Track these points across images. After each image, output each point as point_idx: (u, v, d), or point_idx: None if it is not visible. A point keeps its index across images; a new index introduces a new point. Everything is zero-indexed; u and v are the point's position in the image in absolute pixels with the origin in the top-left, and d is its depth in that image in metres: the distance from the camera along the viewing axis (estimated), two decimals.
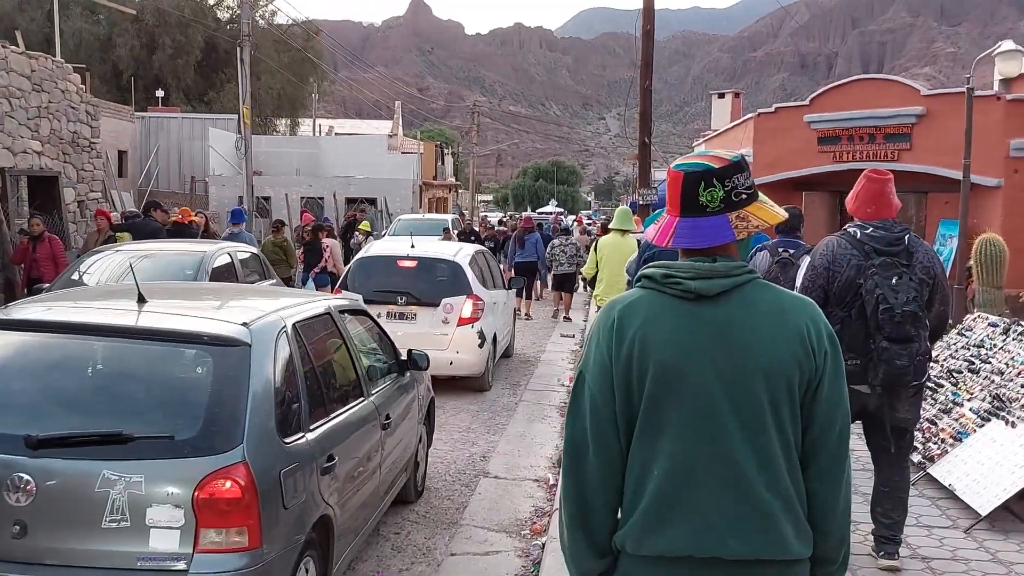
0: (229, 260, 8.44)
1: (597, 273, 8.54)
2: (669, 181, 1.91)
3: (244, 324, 3.42)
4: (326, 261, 12.74)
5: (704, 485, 1.78)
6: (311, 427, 3.54)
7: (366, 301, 8.44)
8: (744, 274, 1.85)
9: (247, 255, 9.29)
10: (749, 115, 17.85)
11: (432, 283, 8.74)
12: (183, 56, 37.82)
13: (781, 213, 1.94)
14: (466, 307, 8.51)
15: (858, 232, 3.95)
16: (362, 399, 4.23)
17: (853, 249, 3.92)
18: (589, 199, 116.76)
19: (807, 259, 5.08)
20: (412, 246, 9.18)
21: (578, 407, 1.89)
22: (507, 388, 9.15)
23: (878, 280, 3.80)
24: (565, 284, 14.65)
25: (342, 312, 4.55)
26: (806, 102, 16.29)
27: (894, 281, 3.79)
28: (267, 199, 29.74)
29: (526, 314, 14.68)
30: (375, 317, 5.11)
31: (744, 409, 1.78)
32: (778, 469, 1.78)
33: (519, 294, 14.07)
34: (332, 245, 13.23)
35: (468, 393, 8.71)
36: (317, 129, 45.36)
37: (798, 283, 4.30)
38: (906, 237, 3.91)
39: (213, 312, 3.84)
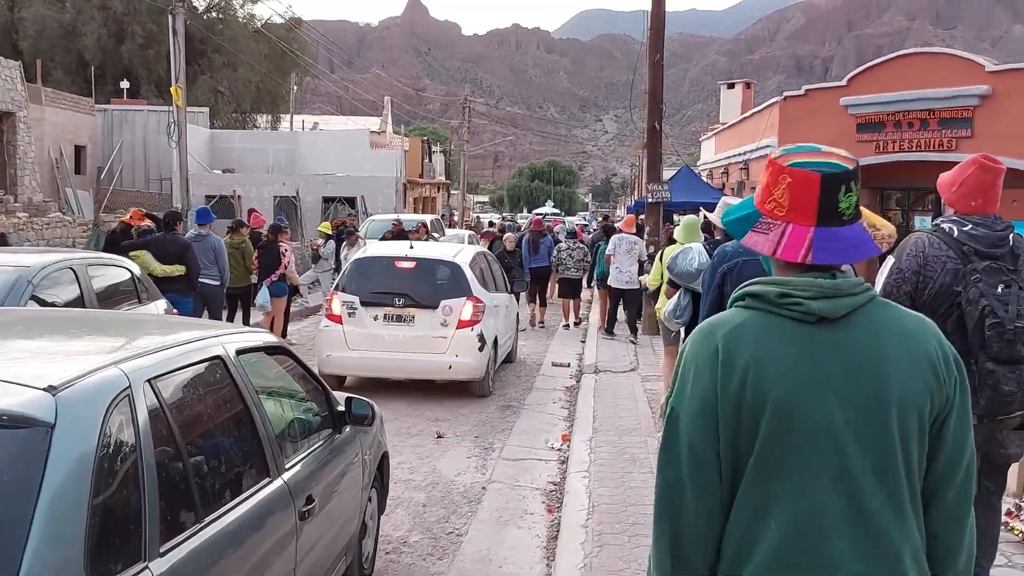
0: (74, 283, 5.73)
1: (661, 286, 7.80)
2: (793, 182, 1.59)
3: (49, 388, 2.11)
4: (284, 267, 11.06)
5: (833, 538, 1.53)
6: (163, 549, 2.23)
7: (363, 303, 8.31)
8: (867, 291, 1.61)
9: (124, 276, 6.64)
10: (774, 99, 15.54)
11: (431, 285, 8.49)
12: (154, 46, 35.43)
13: (887, 222, 1.73)
14: (466, 309, 8.24)
15: (955, 229, 3.32)
16: (268, 480, 2.95)
17: (949, 250, 3.32)
18: (587, 200, 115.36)
19: None
20: (411, 247, 8.99)
21: (673, 449, 1.63)
22: (476, 453, 6.63)
23: (983, 288, 3.23)
24: (573, 290, 13.46)
25: (245, 353, 3.09)
26: (843, 83, 14.01)
27: (1000, 290, 3.23)
28: (239, 198, 27.68)
29: (540, 322, 13.70)
30: (298, 357, 3.77)
31: (874, 448, 1.54)
32: (908, 515, 1.56)
33: (532, 300, 13.78)
34: (291, 250, 11.51)
35: (417, 463, 6.28)
36: (301, 125, 43.16)
37: (876, 288, 3.40)
38: (1010, 236, 3.30)
39: (7, 366, 2.34)
